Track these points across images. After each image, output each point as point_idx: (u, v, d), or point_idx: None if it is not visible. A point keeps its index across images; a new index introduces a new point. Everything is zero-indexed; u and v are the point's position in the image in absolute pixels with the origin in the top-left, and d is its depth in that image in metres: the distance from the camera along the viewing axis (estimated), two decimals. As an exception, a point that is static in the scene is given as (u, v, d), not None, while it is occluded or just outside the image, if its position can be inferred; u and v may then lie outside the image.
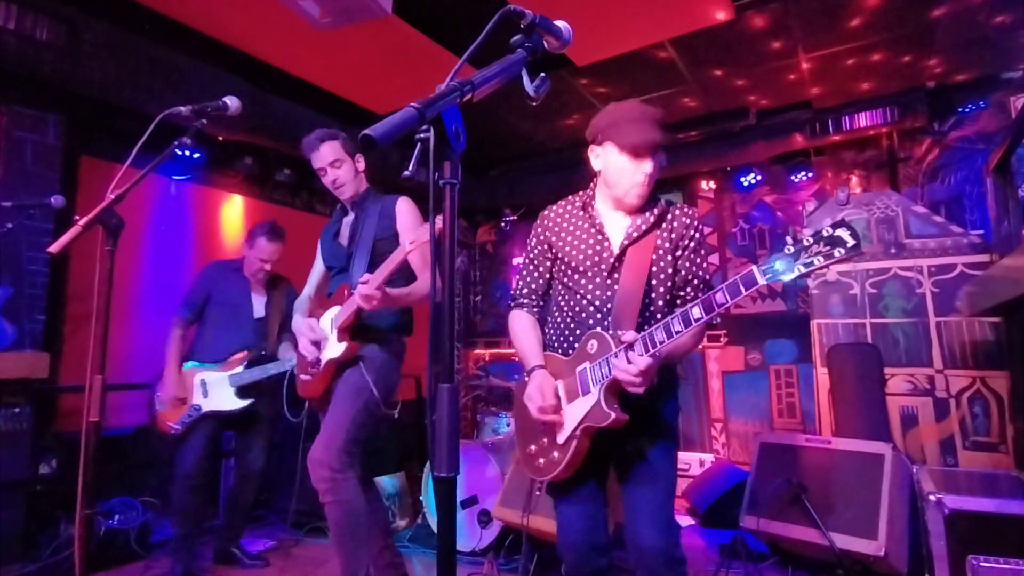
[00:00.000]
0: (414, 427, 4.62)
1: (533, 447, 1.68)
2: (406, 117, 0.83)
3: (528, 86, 1.07)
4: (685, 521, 3.71)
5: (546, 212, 1.81)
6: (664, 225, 1.68)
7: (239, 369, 2.88)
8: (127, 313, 3.56)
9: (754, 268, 1.35)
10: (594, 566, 1.64)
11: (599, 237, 1.69)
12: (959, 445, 3.24)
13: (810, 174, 4.59)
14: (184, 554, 2.77)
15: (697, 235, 1.69)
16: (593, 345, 1.59)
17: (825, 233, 1.27)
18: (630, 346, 1.46)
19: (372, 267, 2.18)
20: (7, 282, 3.04)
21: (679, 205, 1.74)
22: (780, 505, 2.71)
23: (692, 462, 4.34)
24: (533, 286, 1.81)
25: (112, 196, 1.63)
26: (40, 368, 2.97)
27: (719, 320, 1.59)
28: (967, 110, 4.06)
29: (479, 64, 1.02)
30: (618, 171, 1.63)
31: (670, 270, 1.66)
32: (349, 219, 2.40)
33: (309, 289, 2.55)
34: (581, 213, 1.74)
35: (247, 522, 3.19)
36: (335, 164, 2.30)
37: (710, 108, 4.38)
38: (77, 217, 1.59)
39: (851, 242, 1.24)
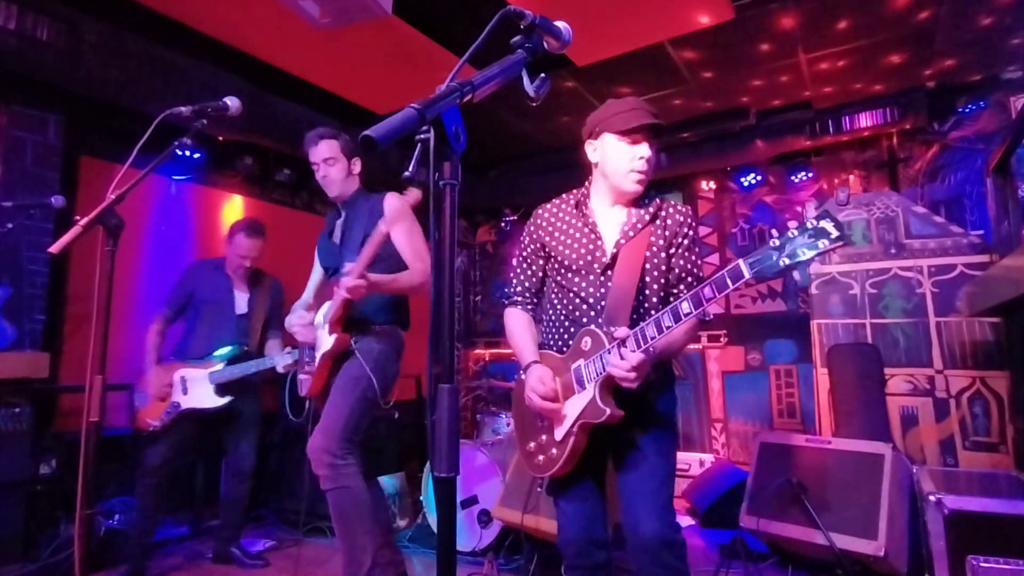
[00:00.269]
0: (414, 427, 4.62)
1: (532, 444, 1.69)
2: (406, 118, 0.84)
3: (528, 87, 1.07)
4: (685, 521, 3.71)
5: (539, 211, 1.82)
6: (658, 222, 1.69)
7: (219, 366, 2.88)
8: (127, 313, 3.56)
9: (740, 261, 1.35)
10: (593, 560, 1.65)
11: (592, 236, 1.70)
12: (959, 445, 3.24)
13: (810, 174, 4.59)
14: (133, 550, 2.75)
15: (691, 232, 1.70)
16: (587, 342, 1.60)
17: (809, 225, 1.28)
18: (623, 342, 1.47)
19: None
20: (7, 282, 3.05)
21: (672, 203, 1.75)
22: (780, 505, 2.71)
23: (692, 462, 4.34)
24: (527, 284, 1.82)
25: (112, 196, 1.63)
26: (40, 368, 2.97)
27: (710, 316, 1.60)
28: (967, 110, 4.06)
29: (479, 64, 1.02)
30: (616, 157, 1.65)
31: (664, 267, 1.67)
32: (341, 219, 2.46)
33: (308, 293, 2.59)
34: (574, 211, 1.75)
35: (244, 521, 3.19)
36: (328, 161, 2.37)
37: (710, 108, 4.38)
38: (77, 217, 1.59)
39: (835, 233, 1.26)
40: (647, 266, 1.65)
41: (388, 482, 3.68)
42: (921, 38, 3.47)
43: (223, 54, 3.41)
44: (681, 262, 1.68)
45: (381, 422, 3.84)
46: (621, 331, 1.48)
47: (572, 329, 1.69)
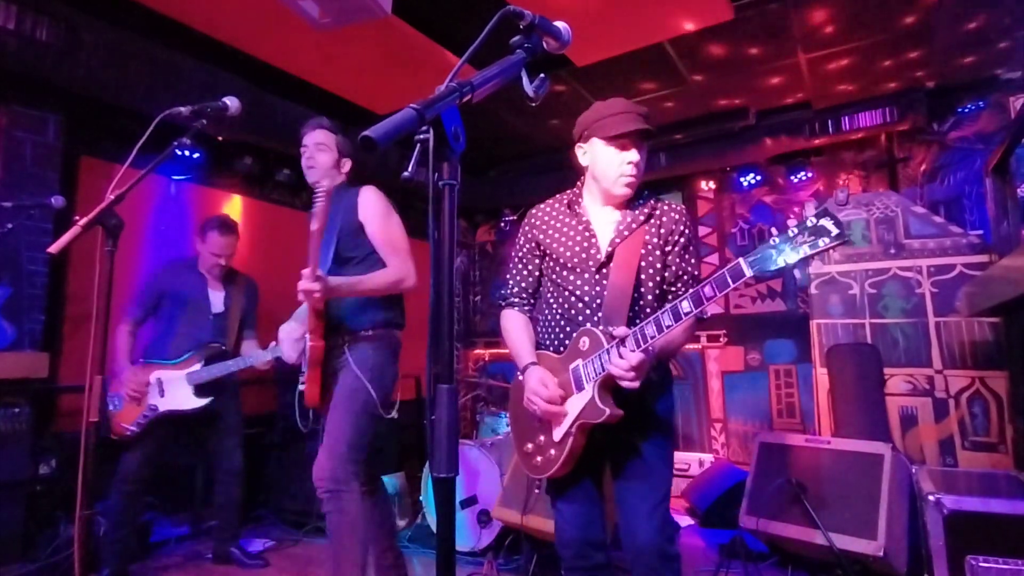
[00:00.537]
0: (414, 427, 4.62)
1: (530, 446, 1.69)
2: (406, 118, 0.84)
3: (527, 87, 1.07)
4: (685, 521, 3.71)
5: (533, 211, 1.83)
6: (653, 221, 1.69)
7: (197, 367, 2.83)
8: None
9: (740, 260, 1.36)
10: (591, 562, 1.66)
11: (586, 234, 1.70)
12: (958, 445, 3.24)
13: (810, 174, 4.59)
14: (112, 555, 2.69)
15: (686, 231, 1.71)
16: (585, 342, 1.60)
17: (809, 223, 1.30)
18: (622, 341, 1.47)
19: (338, 263, 2.16)
20: (7, 282, 3.04)
21: (667, 202, 1.75)
22: (780, 505, 2.71)
23: (692, 462, 4.34)
24: (523, 284, 1.82)
25: (112, 196, 1.63)
26: (40, 368, 2.97)
27: (707, 315, 1.61)
28: (967, 110, 4.06)
29: (479, 65, 1.02)
30: (605, 162, 1.65)
31: (659, 265, 1.67)
32: None
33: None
34: (567, 211, 1.76)
35: (241, 521, 3.17)
36: (320, 146, 2.29)
37: (710, 108, 4.38)
38: (77, 217, 1.60)
39: (835, 231, 1.27)
40: (642, 264, 1.65)
41: (388, 482, 3.68)
42: (920, 38, 3.47)
43: (223, 54, 3.41)
44: (678, 260, 1.69)
45: (381, 422, 3.84)
46: (620, 330, 1.48)
47: (569, 329, 1.68)
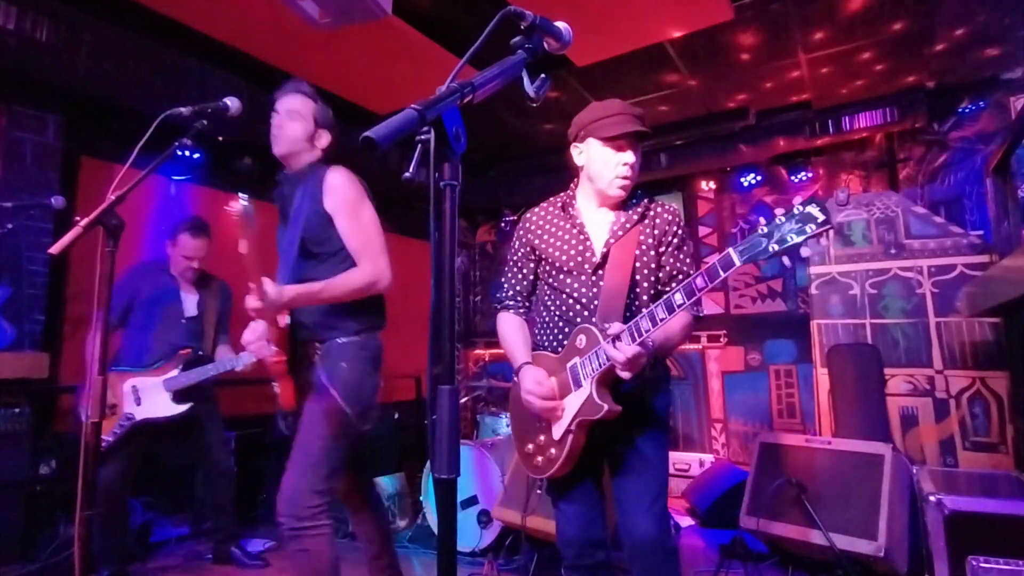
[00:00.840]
0: (414, 427, 4.62)
1: (531, 446, 1.70)
2: (406, 119, 0.84)
3: (528, 87, 1.07)
4: (685, 521, 3.71)
5: (527, 215, 1.84)
6: (646, 221, 1.71)
7: (174, 372, 2.74)
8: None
9: (730, 250, 1.37)
10: (592, 560, 1.67)
11: (581, 237, 1.71)
12: (959, 445, 3.24)
13: (810, 174, 4.59)
14: (110, 558, 2.63)
15: (680, 231, 1.72)
16: (582, 340, 1.61)
17: (796, 211, 1.31)
18: (618, 336, 1.48)
19: (305, 257, 1.90)
20: (7, 282, 3.04)
21: (660, 202, 1.77)
22: (780, 505, 2.71)
23: (692, 462, 4.34)
24: (518, 287, 1.83)
25: (113, 197, 1.63)
26: (40, 368, 2.97)
27: (703, 313, 1.66)
28: (967, 110, 4.06)
29: (480, 65, 1.02)
30: (601, 163, 1.67)
31: (653, 265, 1.69)
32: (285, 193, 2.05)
33: None
34: (561, 213, 1.77)
35: (237, 521, 3.13)
36: (291, 113, 1.98)
37: (710, 108, 4.38)
38: (77, 218, 1.59)
39: (821, 217, 1.28)
40: (637, 264, 1.67)
41: (388, 482, 3.68)
42: (920, 38, 3.47)
43: (223, 54, 3.41)
44: (672, 260, 1.70)
45: (381, 422, 3.85)
46: (616, 326, 1.49)
47: (566, 329, 1.70)
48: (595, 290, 1.66)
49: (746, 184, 4.84)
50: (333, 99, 3.95)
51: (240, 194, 1.57)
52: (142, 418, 2.67)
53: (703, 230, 5.10)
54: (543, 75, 1.08)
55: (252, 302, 1.68)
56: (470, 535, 3.08)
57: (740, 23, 3.27)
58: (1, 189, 3.02)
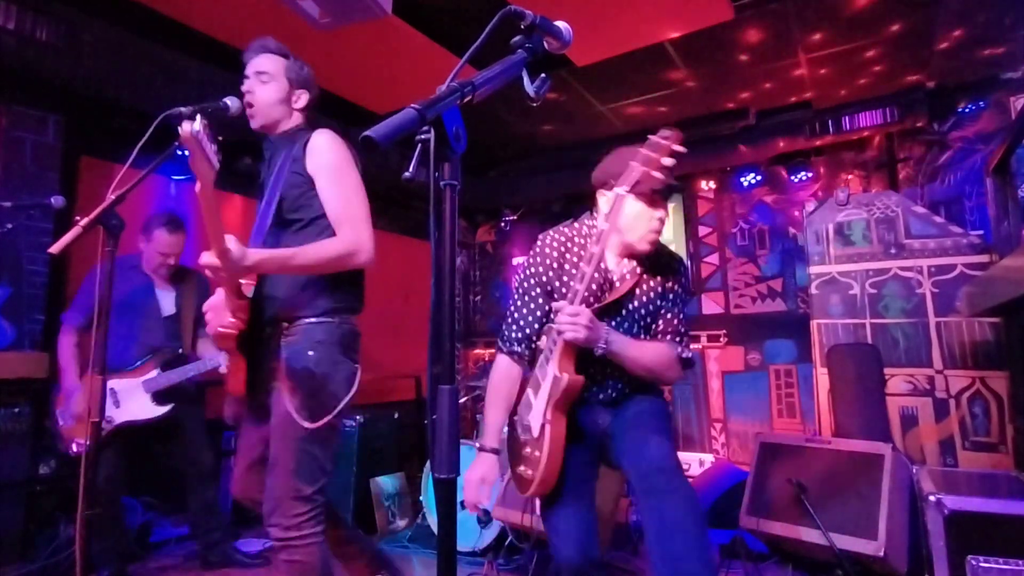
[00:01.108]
0: (414, 427, 4.62)
1: (521, 467, 1.68)
2: (406, 118, 0.84)
3: (528, 87, 1.07)
4: (685, 521, 3.71)
5: (546, 249, 1.75)
6: (656, 269, 1.74)
7: (154, 373, 2.66)
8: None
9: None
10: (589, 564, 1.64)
11: (604, 284, 1.70)
12: (959, 445, 3.24)
13: (810, 174, 4.59)
14: (108, 559, 2.60)
15: (685, 281, 1.77)
16: (544, 339, 1.66)
17: None
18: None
19: (279, 226, 1.71)
20: (7, 282, 3.04)
21: (670, 252, 1.81)
22: (780, 505, 2.71)
23: (692, 462, 4.34)
24: (528, 330, 1.74)
25: (113, 197, 1.63)
26: (40, 368, 2.97)
27: (689, 353, 1.70)
28: (967, 110, 4.06)
29: (480, 65, 1.02)
30: (634, 218, 1.64)
31: (651, 307, 1.72)
32: (265, 164, 1.87)
33: None
34: (582, 255, 1.69)
35: (221, 522, 3.01)
36: (262, 76, 1.77)
37: (710, 108, 4.38)
38: (77, 218, 1.60)
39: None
40: (636, 291, 1.70)
41: (388, 482, 3.68)
42: (920, 38, 3.47)
43: (223, 54, 3.41)
44: (668, 303, 1.74)
45: (381, 422, 3.85)
46: (561, 303, 1.55)
47: None
48: None
49: (746, 184, 4.84)
50: (333, 99, 3.97)
51: (197, 117, 1.38)
52: (122, 421, 2.59)
53: (703, 230, 5.10)
54: (543, 75, 1.08)
55: (208, 259, 1.45)
56: (470, 535, 3.08)
57: (740, 23, 3.27)
58: (1, 189, 3.02)
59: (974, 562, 1.83)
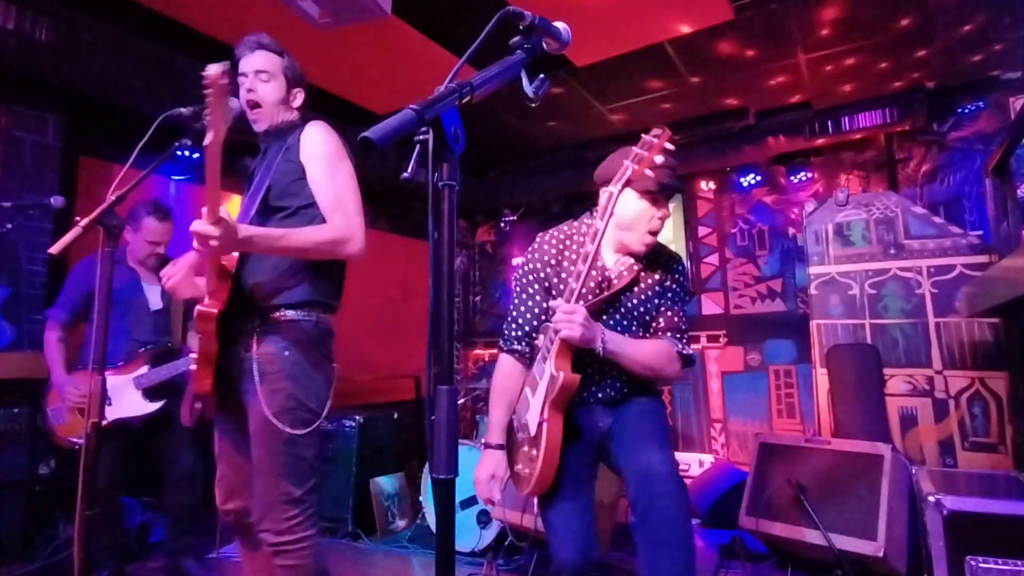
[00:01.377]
0: (413, 427, 4.62)
1: (519, 465, 1.69)
2: (405, 119, 0.84)
3: (527, 87, 1.07)
4: (684, 521, 3.71)
5: (544, 246, 1.77)
6: (654, 267, 1.74)
7: (144, 369, 2.61)
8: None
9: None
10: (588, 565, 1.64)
11: (600, 280, 1.70)
12: (958, 446, 3.24)
13: (809, 174, 4.60)
14: (107, 558, 2.57)
15: (683, 279, 1.76)
16: (542, 338, 1.66)
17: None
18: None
19: (263, 213, 1.67)
20: (6, 282, 3.04)
21: (669, 251, 1.81)
22: (779, 505, 2.71)
23: (691, 462, 4.34)
24: (527, 328, 1.75)
25: (113, 197, 1.64)
26: (39, 368, 2.97)
27: (689, 350, 1.69)
28: (966, 111, 4.06)
29: (479, 65, 1.02)
30: (636, 216, 1.65)
31: (648, 305, 1.71)
32: (259, 158, 1.83)
33: None
34: (581, 252, 1.68)
35: (195, 532, 2.86)
36: (261, 75, 1.73)
37: (710, 108, 4.38)
38: (77, 218, 1.60)
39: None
40: (635, 289, 1.70)
41: (387, 482, 3.68)
42: (920, 38, 3.47)
43: (223, 54, 3.39)
44: (667, 301, 1.73)
45: (381, 422, 3.85)
46: (557, 301, 1.56)
47: None
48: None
49: (746, 184, 4.84)
50: (333, 99, 3.97)
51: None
52: (114, 418, 2.53)
53: (702, 230, 5.10)
54: (542, 75, 1.08)
55: (201, 226, 1.36)
56: (469, 535, 3.08)
57: (740, 23, 3.27)
58: (1, 189, 3.02)
59: (973, 562, 1.83)
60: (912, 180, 4.25)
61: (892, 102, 4.01)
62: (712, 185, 5.05)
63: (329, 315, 1.73)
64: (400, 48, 3.35)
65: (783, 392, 4.58)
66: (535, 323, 1.74)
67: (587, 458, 1.70)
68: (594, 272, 1.68)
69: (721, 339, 4.86)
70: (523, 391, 1.70)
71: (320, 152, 1.66)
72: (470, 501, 3.14)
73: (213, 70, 1.22)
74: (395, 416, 4.02)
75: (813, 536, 2.52)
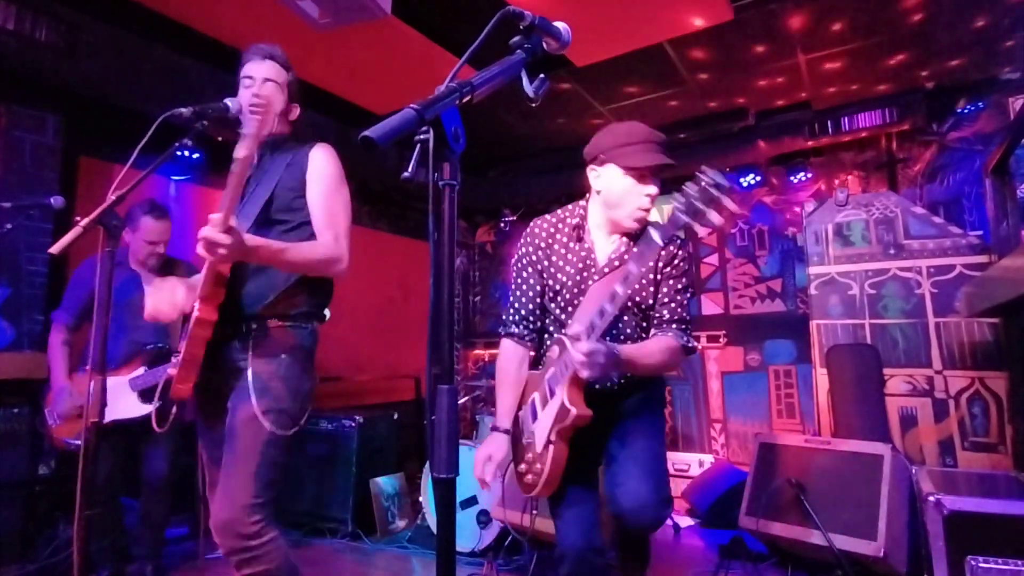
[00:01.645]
0: (413, 427, 4.63)
1: (523, 466, 1.70)
2: (405, 119, 0.84)
3: (527, 87, 1.07)
4: (685, 521, 3.71)
5: (536, 230, 1.79)
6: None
7: (140, 371, 2.62)
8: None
9: (650, 229, 1.42)
10: (594, 566, 1.65)
11: (588, 262, 1.70)
12: (958, 446, 3.24)
13: (809, 175, 4.60)
14: (106, 559, 2.58)
15: (682, 264, 1.71)
16: (555, 351, 1.63)
17: (701, 182, 1.36)
18: (576, 337, 1.48)
19: (262, 225, 1.69)
20: (6, 282, 3.04)
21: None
22: (779, 506, 2.71)
23: (691, 462, 4.34)
24: (523, 312, 1.77)
25: (113, 197, 1.63)
26: (40, 368, 2.97)
27: (693, 342, 1.67)
28: (966, 111, 4.06)
29: (479, 65, 1.02)
30: (622, 193, 1.64)
31: (644, 293, 1.68)
32: (254, 167, 1.83)
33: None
34: (571, 234, 1.74)
35: (161, 541, 2.84)
36: (268, 84, 1.80)
37: (709, 108, 4.38)
38: (77, 218, 1.60)
39: (721, 181, 1.33)
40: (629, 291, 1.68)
41: (387, 482, 3.68)
42: (920, 39, 3.47)
43: (223, 54, 3.41)
44: (666, 289, 1.69)
45: (380, 422, 3.85)
46: (574, 328, 1.50)
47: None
48: (578, 303, 1.68)
49: (745, 184, 4.84)
50: (333, 99, 3.97)
51: (248, 124, 1.39)
52: (111, 420, 2.49)
53: (702, 230, 5.09)
54: (542, 75, 1.09)
55: (212, 234, 1.36)
56: (469, 535, 3.08)
57: (740, 23, 3.27)
58: (1, 189, 3.02)
59: (973, 562, 1.83)
60: (912, 180, 4.25)
61: (892, 102, 4.01)
62: (712, 185, 5.04)
63: (319, 325, 1.78)
64: (400, 48, 3.35)
65: (783, 392, 4.58)
66: (531, 306, 1.76)
67: (592, 447, 1.70)
68: (583, 253, 1.70)
69: (721, 339, 4.86)
70: (531, 394, 1.70)
71: (325, 174, 1.74)
72: (470, 501, 3.14)
73: (269, 91, 1.44)
74: (395, 416, 4.02)
75: (813, 536, 2.52)
